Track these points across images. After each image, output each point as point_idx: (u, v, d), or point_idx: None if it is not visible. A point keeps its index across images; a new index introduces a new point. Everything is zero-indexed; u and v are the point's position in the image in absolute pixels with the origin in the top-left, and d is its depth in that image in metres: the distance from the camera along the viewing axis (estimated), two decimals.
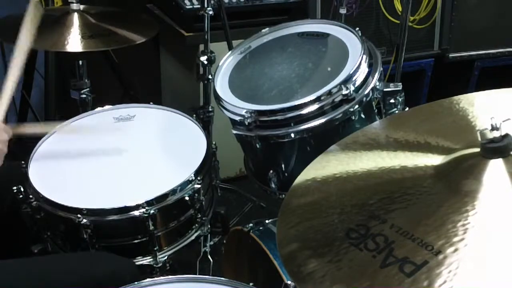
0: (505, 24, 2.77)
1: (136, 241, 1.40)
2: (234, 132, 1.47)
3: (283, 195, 1.47)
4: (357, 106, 1.38)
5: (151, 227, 1.37)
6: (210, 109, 2.10)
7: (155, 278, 1.16)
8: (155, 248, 1.41)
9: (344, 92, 1.35)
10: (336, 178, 0.95)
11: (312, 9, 2.48)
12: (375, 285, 0.71)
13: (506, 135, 0.80)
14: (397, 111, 1.46)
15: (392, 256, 0.74)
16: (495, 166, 0.80)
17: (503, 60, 2.87)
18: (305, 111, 1.37)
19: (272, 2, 2.45)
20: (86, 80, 1.99)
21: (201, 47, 2.06)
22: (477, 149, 0.83)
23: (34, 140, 1.58)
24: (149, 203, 1.36)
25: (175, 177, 1.43)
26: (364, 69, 1.41)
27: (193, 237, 1.51)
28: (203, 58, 1.98)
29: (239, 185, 2.44)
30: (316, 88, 1.40)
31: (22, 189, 1.41)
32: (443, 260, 0.71)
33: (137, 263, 1.41)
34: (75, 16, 1.87)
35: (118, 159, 1.52)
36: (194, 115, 1.68)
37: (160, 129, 1.64)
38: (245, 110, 1.41)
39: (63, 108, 2.40)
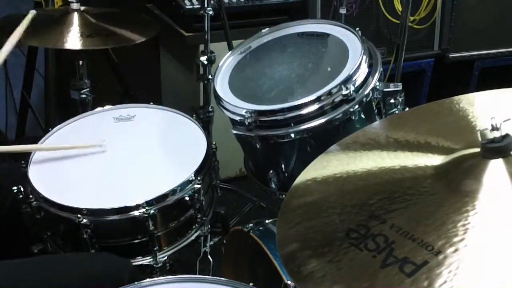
0: (505, 24, 2.77)
1: (136, 241, 1.40)
2: (234, 132, 1.47)
3: (283, 195, 1.47)
4: (357, 106, 1.38)
5: (151, 227, 1.37)
6: (210, 109, 2.10)
7: (155, 278, 1.16)
8: (155, 248, 1.41)
9: (344, 92, 1.35)
10: (336, 178, 0.95)
11: (312, 9, 2.48)
12: (375, 285, 0.71)
13: (506, 135, 0.80)
14: (397, 111, 1.46)
15: (392, 256, 0.74)
16: (495, 166, 0.80)
17: (503, 60, 2.88)
18: (305, 111, 1.37)
19: (272, 2, 2.45)
20: (86, 80, 1.99)
21: (201, 47, 2.06)
22: (477, 149, 0.83)
23: (34, 140, 1.58)
24: (149, 203, 1.36)
25: (175, 177, 1.43)
26: (364, 69, 1.41)
27: (193, 237, 1.51)
28: (203, 58, 1.98)
29: (239, 185, 2.44)
30: (316, 88, 1.40)
31: (22, 189, 1.41)
32: (443, 260, 0.71)
33: (137, 263, 1.41)
34: (75, 16, 1.87)
35: (118, 159, 1.52)
36: (194, 115, 1.68)
37: (160, 129, 1.64)
38: (245, 110, 1.41)
39: (63, 108, 2.40)
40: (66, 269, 1.29)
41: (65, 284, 1.24)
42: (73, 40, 1.79)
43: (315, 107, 1.36)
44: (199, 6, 1.98)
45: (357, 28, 1.52)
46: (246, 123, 1.40)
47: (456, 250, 0.72)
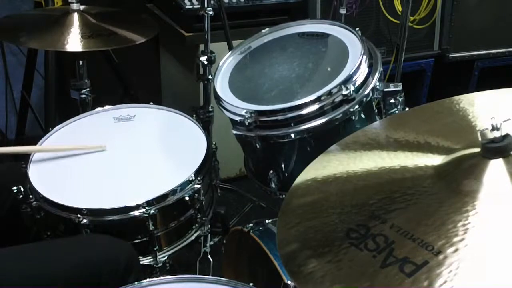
0: (505, 24, 2.77)
1: (136, 241, 1.40)
2: (234, 132, 1.47)
3: (283, 195, 1.47)
4: (357, 106, 1.38)
5: (151, 227, 1.37)
6: (210, 109, 2.10)
7: (155, 278, 1.16)
8: (155, 248, 1.41)
9: (344, 92, 1.35)
10: (336, 178, 0.95)
11: (312, 9, 2.48)
12: (375, 285, 0.71)
13: (507, 135, 0.80)
14: (397, 111, 1.46)
15: (392, 256, 0.74)
16: (496, 166, 0.80)
17: (503, 60, 2.88)
18: (305, 111, 1.37)
19: (272, 2, 2.45)
20: (86, 80, 1.99)
21: (201, 47, 2.06)
22: (478, 149, 0.83)
23: (34, 140, 1.58)
24: (149, 203, 1.36)
25: (175, 177, 1.43)
26: (364, 69, 1.41)
27: (193, 237, 1.51)
28: (203, 58, 1.98)
29: (239, 185, 2.44)
30: (316, 88, 1.40)
31: (22, 189, 1.41)
32: (443, 260, 0.71)
33: None
34: (75, 16, 1.87)
35: (118, 159, 1.52)
36: (194, 115, 1.68)
37: (160, 129, 1.64)
38: (245, 110, 1.41)
39: (63, 108, 2.40)
40: (63, 252, 1.29)
41: (63, 266, 1.24)
42: (74, 41, 1.78)
43: (315, 107, 1.36)
44: (199, 6, 1.98)
45: (357, 28, 1.52)
46: (246, 123, 1.40)
47: (456, 250, 0.72)
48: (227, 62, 1.63)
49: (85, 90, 1.99)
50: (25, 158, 1.49)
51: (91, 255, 1.28)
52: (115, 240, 1.34)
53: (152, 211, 1.35)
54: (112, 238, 1.34)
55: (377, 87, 1.43)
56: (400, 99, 1.46)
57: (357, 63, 1.39)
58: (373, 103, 1.47)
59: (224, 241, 1.62)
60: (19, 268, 1.21)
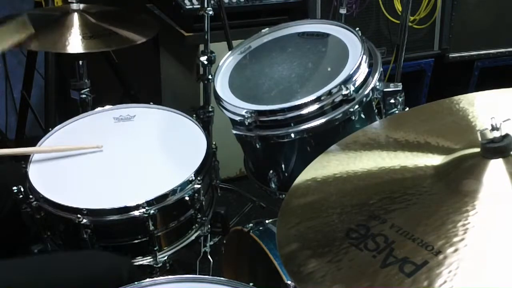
0: (505, 24, 2.77)
1: (136, 241, 1.40)
2: (234, 132, 1.47)
3: (283, 195, 1.47)
4: (357, 106, 1.38)
5: (151, 227, 1.37)
6: (210, 109, 2.10)
7: (155, 278, 1.16)
8: (155, 248, 1.41)
9: (344, 92, 1.35)
10: (336, 178, 0.95)
11: (312, 9, 2.48)
12: (375, 285, 0.71)
13: (506, 135, 0.80)
14: (397, 111, 1.46)
15: (392, 256, 0.74)
16: (495, 166, 0.80)
17: (503, 60, 2.88)
18: (305, 111, 1.37)
19: (272, 2, 2.45)
20: (86, 80, 1.99)
21: (201, 47, 2.06)
22: (477, 149, 0.83)
23: (34, 140, 1.58)
24: (149, 203, 1.36)
25: (175, 177, 1.43)
26: (364, 69, 1.41)
27: (193, 237, 1.51)
28: (203, 58, 1.98)
29: (239, 185, 2.44)
30: (316, 88, 1.40)
31: (22, 189, 1.41)
32: (443, 260, 0.71)
33: (137, 263, 1.41)
34: (75, 16, 1.87)
35: (118, 159, 1.52)
36: (194, 115, 1.68)
37: (160, 129, 1.64)
38: (245, 110, 1.41)
39: (63, 108, 2.40)
40: (65, 268, 1.29)
41: (64, 283, 1.24)
42: (75, 42, 1.78)
43: (315, 107, 1.36)
44: (199, 6, 1.98)
45: (357, 28, 1.52)
46: (246, 123, 1.40)
47: (456, 250, 0.72)
48: (227, 62, 1.63)
49: (85, 90, 1.99)
50: (25, 158, 1.49)
51: (93, 272, 1.28)
52: (116, 257, 1.34)
53: (152, 211, 1.35)
54: (113, 255, 1.34)
55: (377, 87, 1.43)
56: (400, 99, 1.46)
57: (357, 63, 1.39)
58: (373, 103, 1.47)
59: (224, 241, 1.62)
60: (20, 281, 1.21)
